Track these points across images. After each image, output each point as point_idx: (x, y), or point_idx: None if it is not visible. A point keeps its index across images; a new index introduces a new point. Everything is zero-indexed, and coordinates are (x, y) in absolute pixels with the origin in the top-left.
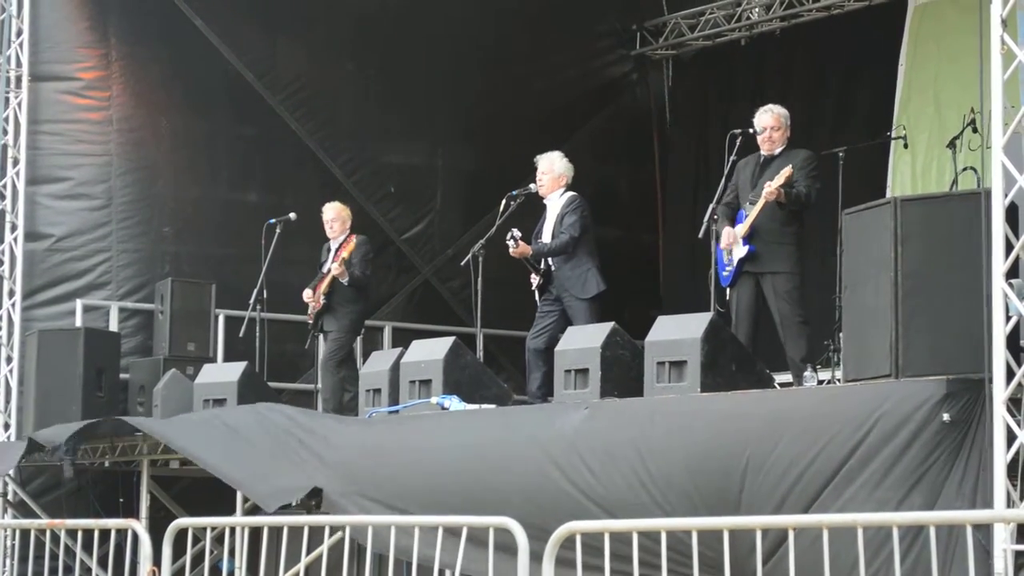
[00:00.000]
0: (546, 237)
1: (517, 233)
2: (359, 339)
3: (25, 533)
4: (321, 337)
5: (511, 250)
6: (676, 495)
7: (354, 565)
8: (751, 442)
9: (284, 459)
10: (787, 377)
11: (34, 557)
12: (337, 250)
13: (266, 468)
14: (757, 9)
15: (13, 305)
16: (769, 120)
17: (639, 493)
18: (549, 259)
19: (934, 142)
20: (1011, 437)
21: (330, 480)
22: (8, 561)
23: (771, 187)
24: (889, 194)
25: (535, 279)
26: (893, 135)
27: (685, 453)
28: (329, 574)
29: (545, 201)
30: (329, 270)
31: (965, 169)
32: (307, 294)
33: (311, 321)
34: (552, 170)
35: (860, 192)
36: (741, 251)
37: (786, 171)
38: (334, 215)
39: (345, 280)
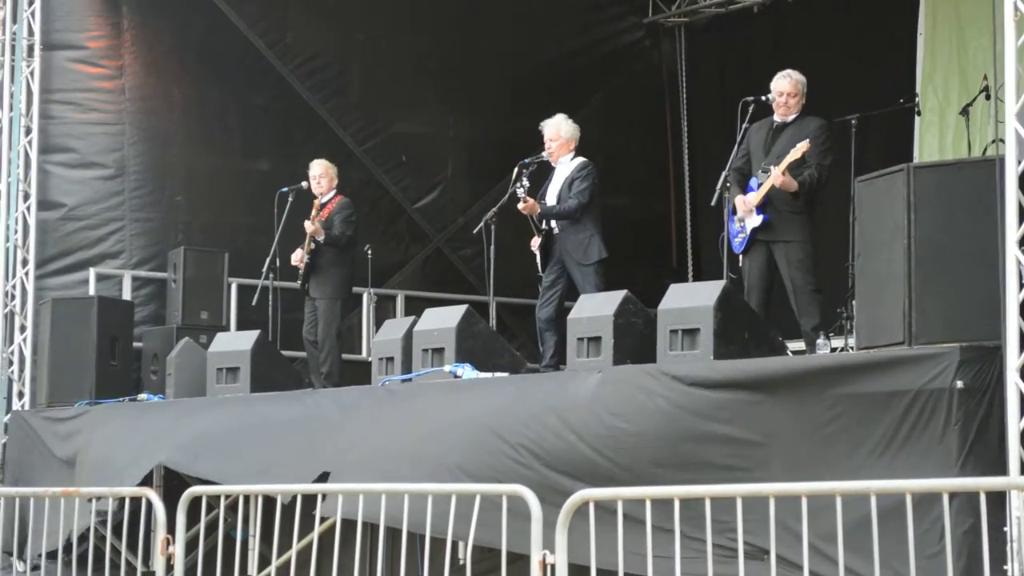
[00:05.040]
0: (551, 199)
1: (526, 184)
2: (372, 307)
3: (40, 500)
4: (306, 303)
5: (520, 204)
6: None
7: (367, 534)
8: (773, 420)
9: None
10: (800, 345)
11: (49, 524)
12: (323, 208)
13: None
14: None
15: (27, 274)
16: (786, 86)
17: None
18: (552, 221)
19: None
20: None
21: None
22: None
23: (784, 163)
24: None
25: (536, 240)
26: (905, 103)
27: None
28: (342, 543)
29: (554, 165)
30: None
31: (994, 141)
32: (296, 256)
33: (300, 282)
34: (560, 135)
35: (882, 161)
36: (755, 220)
37: (803, 145)
38: (321, 171)
39: (321, 238)
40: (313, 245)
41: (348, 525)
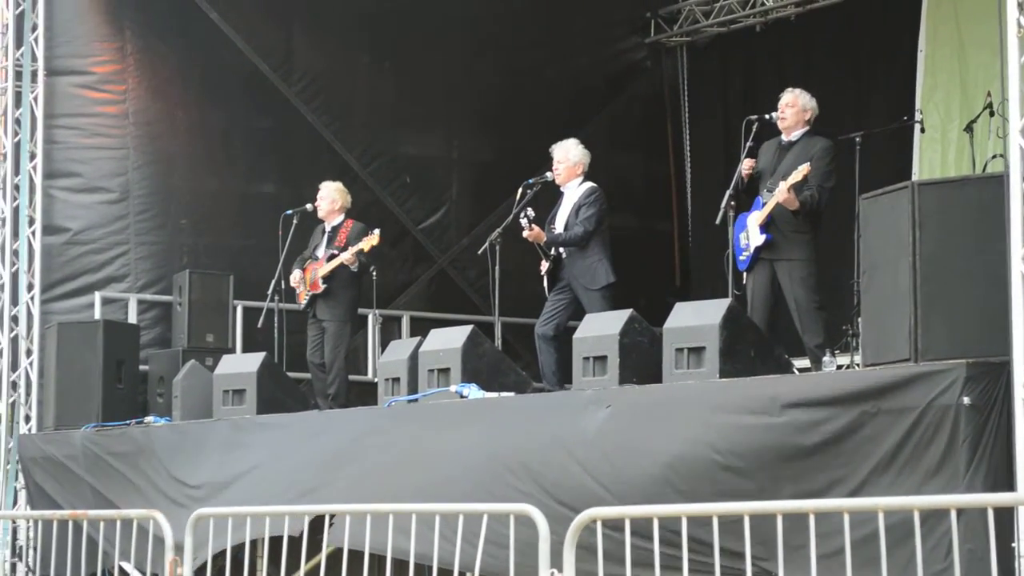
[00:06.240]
0: (559, 225)
1: (531, 213)
2: (377, 329)
3: (48, 523)
4: (311, 326)
5: (524, 232)
6: (700, 487)
7: (375, 556)
8: (772, 432)
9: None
10: (806, 362)
11: (56, 547)
12: (336, 232)
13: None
14: None
15: (32, 299)
16: (786, 97)
17: (663, 489)
18: (561, 248)
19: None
20: None
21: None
22: (31, 551)
23: (786, 185)
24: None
25: (544, 265)
26: (909, 121)
27: (708, 447)
28: (350, 564)
29: (562, 189)
30: (332, 255)
31: (995, 156)
32: (296, 277)
33: (302, 303)
34: (568, 159)
35: (885, 178)
36: (758, 239)
37: (804, 168)
38: (323, 193)
39: (355, 267)
40: (329, 273)
41: (355, 542)
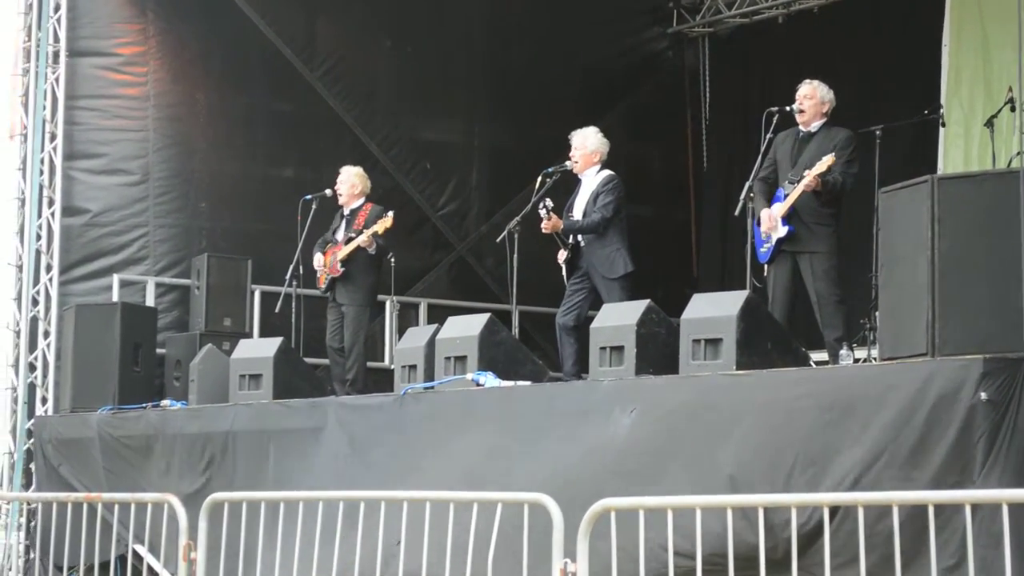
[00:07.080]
0: (577, 213)
1: (549, 203)
2: (394, 315)
3: (62, 506)
4: (330, 311)
5: (543, 223)
6: (725, 489)
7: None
8: (798, 431)
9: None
10: (823, 355)
11: (71, 530)
12: (355, 215)
13: None
14: None
15: (50, 280)
16: (804, 89)
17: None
18: (579, 236)
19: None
20: None
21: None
22: (41, 533)
23: (811, 175)
24: None
25: (562, 254)
26: (930, 114)
27: (735, 448)
28: (364, 548)
29: (580, 177)
30: (350, 238)
31: (1019, 153)
32: (318, 260)
33: (321, 287)
34: (585, 146)
35: (907, 174)
36: (781, 231)
37: (828, 159)
38: (344, 178)
39: (372, 250)
40: (347, 257)
41: (369, 531)
